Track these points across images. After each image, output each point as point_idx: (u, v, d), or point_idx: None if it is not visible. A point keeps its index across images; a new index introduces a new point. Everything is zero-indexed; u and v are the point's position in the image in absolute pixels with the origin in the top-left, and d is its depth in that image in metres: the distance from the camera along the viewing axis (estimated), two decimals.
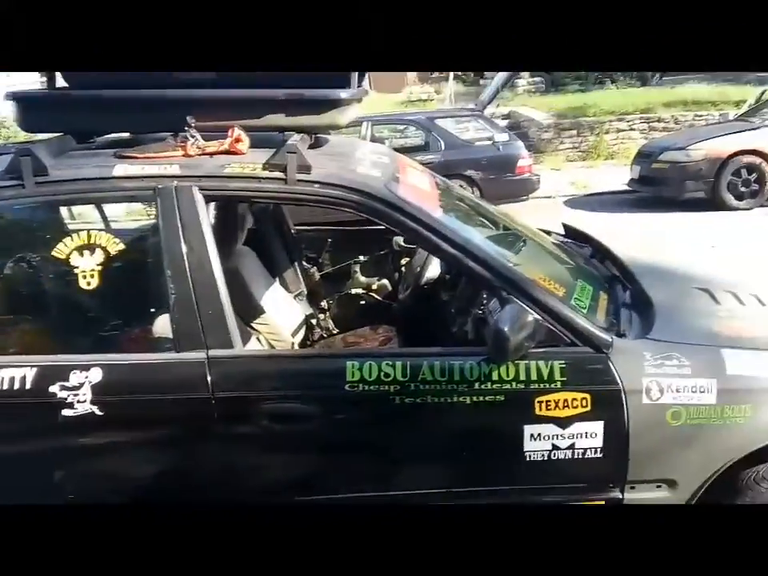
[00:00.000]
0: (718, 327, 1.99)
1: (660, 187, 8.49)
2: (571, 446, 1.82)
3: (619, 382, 1.80)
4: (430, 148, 8.54)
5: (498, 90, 8.70)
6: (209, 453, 1.81)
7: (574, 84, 15.47)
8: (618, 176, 9.87)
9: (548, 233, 2.99)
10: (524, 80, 15.84)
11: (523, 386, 1.80)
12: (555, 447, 1.82)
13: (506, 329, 1.68)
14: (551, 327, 1.82)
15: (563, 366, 1.81)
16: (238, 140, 1.83)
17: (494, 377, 1.79)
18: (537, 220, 8.25)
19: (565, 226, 2.99)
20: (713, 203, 8.09)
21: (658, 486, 1.87)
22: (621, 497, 1.86)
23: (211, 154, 1.86)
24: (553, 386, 1.80)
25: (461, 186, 7.96)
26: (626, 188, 9.25)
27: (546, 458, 1.82)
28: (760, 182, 8.01)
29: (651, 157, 8.63)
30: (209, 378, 1.75)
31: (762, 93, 9.90)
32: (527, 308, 1.79)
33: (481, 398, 1.79)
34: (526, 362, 1.80)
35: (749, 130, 8.33)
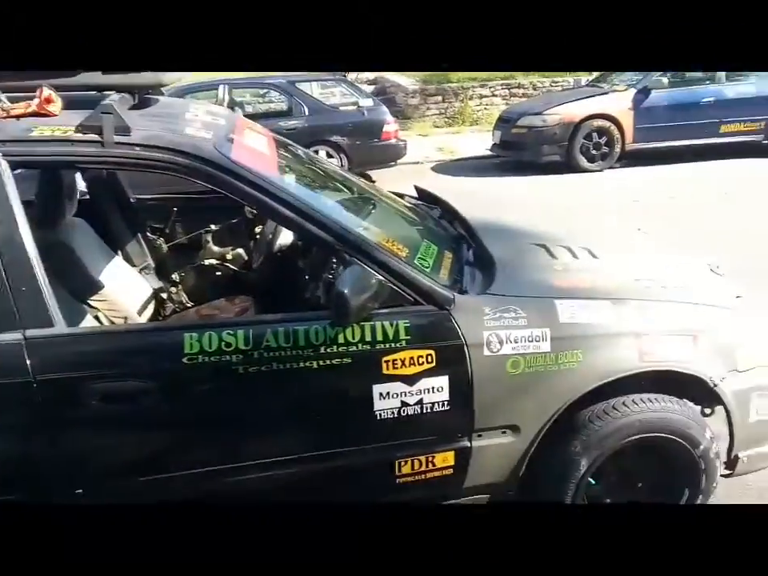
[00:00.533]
0: (553, 280, 2.07)
1: (519, 151, 8.83)
2: (419, 402, 1.85)
3: (461, 336, 1.84)
4: (293, 113, 8.37)
5: None
6: (36, 441, 1.68)
7: None
8: (483, 141, 10.18)
9: (401, 196, 3.01)
10: None
11: (369, 347, 1.80)
12: (404, 404, 1.84)
13: (346, 291, 1.67)
14: (394, 288, 1.83)
15: (407, 324, 1.83)
16: (48, 100, 1.67)
17: (340, 340, 1.78)
18: (404, 186, 8.24)
19: (417, 188, 3.02)
20: (568, 166, 8.50)
21: (503, 432, 1.94)
22: (469, 445, 1.92)
23: (18, 117, 1.70)
24: (398, 344, 1.81)
25: (316, 153, 7.98)
26: (490, 153, 9.56)
27: (396, 415, 1.84)
28: (610, 145, 8.50)
29: (510, 122, 8.94)
30: (27, 361, 1.62)
31: None
32: (370, 270, 1.78)
33: (328, 362, 1.78)
34: (372, 323, 1.80)
35: (599, 95, 8.80)
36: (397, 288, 1.83)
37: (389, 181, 8.68)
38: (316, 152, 8.18)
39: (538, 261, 2.21)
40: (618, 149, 8.51)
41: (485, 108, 12.70)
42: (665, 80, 8.50)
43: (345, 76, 8.73)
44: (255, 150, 2.06)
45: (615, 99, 8.56)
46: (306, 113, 8.22)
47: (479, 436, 1.92)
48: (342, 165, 8.27)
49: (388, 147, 8.49)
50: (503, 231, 2.42)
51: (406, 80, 13.30)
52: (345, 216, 2.06)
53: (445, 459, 1.92)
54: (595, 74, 10.29)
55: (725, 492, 2.25)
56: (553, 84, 12.81)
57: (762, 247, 5.07)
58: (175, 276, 2.98)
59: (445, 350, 1.85)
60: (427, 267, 1.96)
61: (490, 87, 12.84)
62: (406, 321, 1.83)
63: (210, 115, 2.17)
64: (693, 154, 8.52)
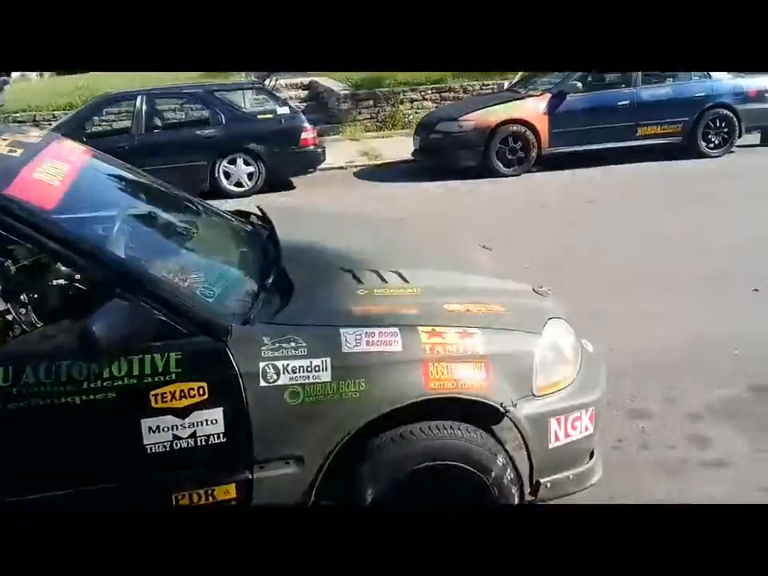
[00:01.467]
0: (349, 306, 2.08)
1: (438, 157, 8.88)
2: (193, 434, 1.84)
3: (236, 368, 1.84)
4: (210, 122, 8.33)
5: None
6: None
7: None
8: (410, 146, 10.21)
9: (246, 215, 3.01)
10: None
11: (136, 381, 1.78)
12: (177, 437, 1.83)
13: (93, 328, 1.66)
14: (166, 320, 1.82)
15: (179, 357, 1.81)
16: None
17: (105, 375, 1.76)
18: (318, 194, 8.12)
19: (259, 208, 3.01)
20: (486, 171, 8.59)
21: (287, 463, 1.94)
22: (251, 477, 1.91)
23: None
24: (168, 377, 1.80)
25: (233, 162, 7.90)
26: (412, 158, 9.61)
27: (168, 449, 1.83)
28: (525, 150, 8.61)
29: (428, 128, 8.99)
30: None
31: None
32: (137, 303, 1.77)
33: (91, 397, 1.76)
34: (141, 356, 1.79)
35: (515, 100, 8.91)
36: (169, 320, 1.82)
37: (307, 187, 8.74)
38: (234, 161, 8.16)
39: (340, 286, 2.21)
40: (534, 153, 8.62)
41: (416, 112, 12.73)
42: (579, 84, 8.65)
43: (262, 84, 8.67)
44: (40, 183, 2.02)
45: (530, 104, 8.68)
46: (223, 121, 8.16)
47: (261, 467, 1.92)
48: (259, 172, 8.24)
49: (306, 154, 8.48)
50: (316, 255, 2.42)
51: (337, 84, 13.29)
52: (133, 247, 2.05)
53: (226, 492, 1.91)
54: (518, 77, 10.41)
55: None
56: (483, 87, 12.93)
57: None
58: (24, 297, 2.91)
59: (218, 382, 1.84)
60: (211, 297, 1.96)
61: (421, 91, 12.91)
62: (179, 353, 1.82)
63: (11, 146, 2.14)
64: (614, 157, 8.71)
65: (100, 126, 8.60)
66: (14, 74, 26.26)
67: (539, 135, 8.57)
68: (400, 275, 2.33)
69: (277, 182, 8.50)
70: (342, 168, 10.00)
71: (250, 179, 8.31)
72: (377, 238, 2.83)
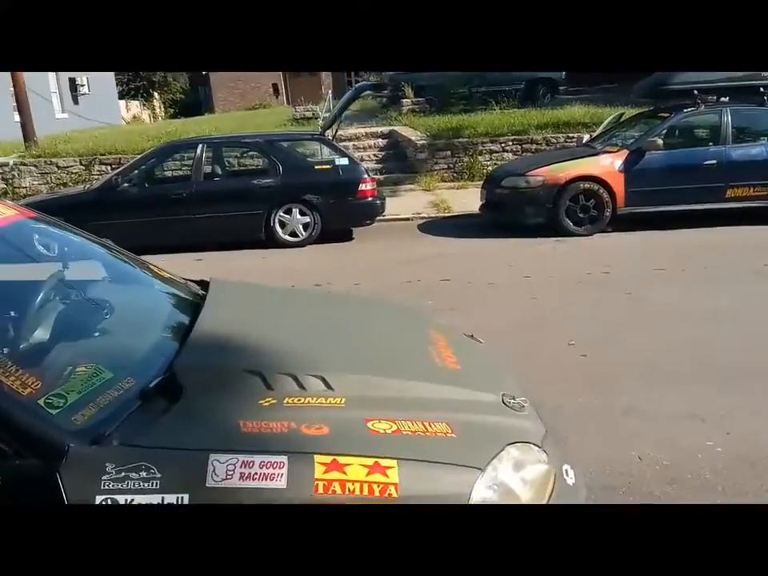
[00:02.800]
0: (238, 422, 1.70)
1: (504, 213, 8.42)
2: None
3: (65, 500, 1.49)
4: (268, 171, 8.26)
5: (338, 114, 8.48)
6: None
7: (459, 105, 15.50)
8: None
9: (203, 284, 2.72)
10: (409, 99, 15.81)
11: None
12: None
13: None
14: None
15: None
16: None
17: None
18: (372, 245, 7.75)
19: (202, 282, 2.71)
20: (554, 229, 8.06)
21: None
22: None
23: None
24: None
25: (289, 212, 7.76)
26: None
27: None
28: (599, 209, 8.01)
29: (495, 182, 8.57)
30: None
31: (619, 117, 10.00)
32: None
33: None
34: None
35: (587, 156, 8.35)
36: None
37: (365, 238, 8.49)
38: (289, 210, 8.03)
39: (241, 394, 1.84)
40: (608, 213, 8.01)
41: (495, 163, 12.30)
42: (660, 141, 8.01)
43: (323, 134, 8.55)
44: None
45: (605, 160, 8.09)
46: (281, 171, 8.07)
47: None
48: (315, 223, 8.07)
49: (363, 206, 8.25)
50: (228, 349, 2.06)
51: (416, 134, 13.12)
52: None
53: None
54: (599, 130, 9.83)
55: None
56: (568, 139, 12.38)
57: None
58: None
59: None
60: (58, 406, 1.63)
61: (501, 142, 12.50)
62: None
63: None
64: (698, 220, 7.97)
65: (162, 173, 8.71)
66: (126, 115, 27.94)
67: (614, 194, 7.96)
68: (324, 380, 1.94)
69: (333, 233, 8.30)
70: (407, 219, 9.71)
71: (305, 229, 8.14)
72: (319, 326, 2.42)
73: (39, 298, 2.06)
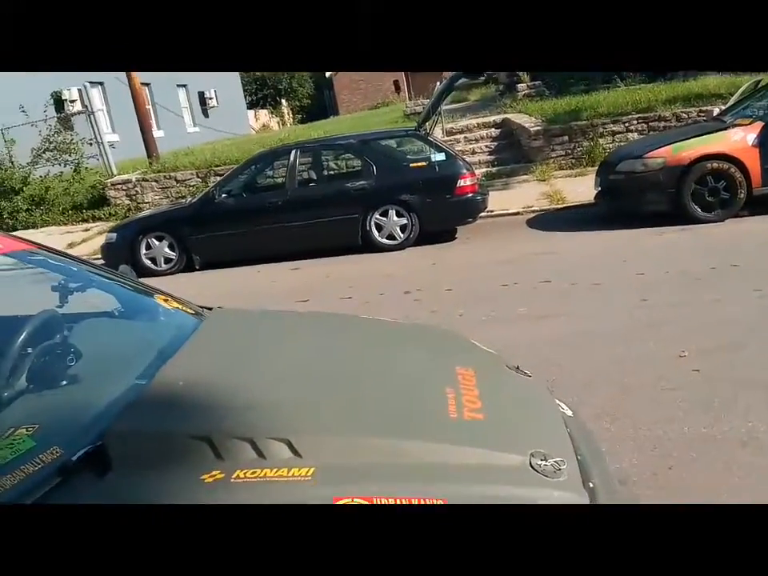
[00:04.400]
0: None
1: (620, 200, 7.64)
2: None
3: None
4: (361, 174, 8.01)
5: (434, 106, 8.04)
6: None
7: (580, 85, 14.53)
8: None
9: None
10: (525, 84, 15.05)
11: None
12: None
13: None
14: None
15: None
16: None
17: None
18: (474, 245, 7.35)
19: (205, 308, 2.44)
20: (679, 216, 7.18)
21: None
22: None
23: None
24: None
25: (385, 213, 7.44)
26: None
27: None
28: (730, 190, 7.05)
29: (610, 167, 7.80)
30: None
31: (755, 84, 8.80)
32: None
33: None
34: None
35: (716, 131, 7.38)
36: None
37: (469, 237, 8.01)
38: (385, 212, 7.73)
39: (179, 469, 1.52)
40: (742, 194, 7.03)
41: (618, 145, 11.36)
42: None
43: (418, 130, 8.16)
44: None
45: (736, 135, 7.10)
46: (375, 171, 7.79)
47: None
48: (412, 224, 7.72)
49: (463, 203, 7.80)
50: (184, 410, 1.74)
51: (530, 120, 12.40)
52: None
53: None
54: (732, 101, 8.71)
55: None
56: (701, 114, 11.17)
57: None
58: None
59: None
60: None
61: (625, 122, 11.50)
62: None
63: None
64: None
65: (258, 181, 8.70)
66: (254, 125, 28.97)
67: (748, 172, 6.97)
68: (290, 444, 1.57)
69: (434, 234, 7.90)
70: (516, 214, 9.11)
71: (402, 231, 7.81)
72: (313, 366, 2.00)
73: (20, 338, 1.87)
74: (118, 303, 2.38)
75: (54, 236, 11.82)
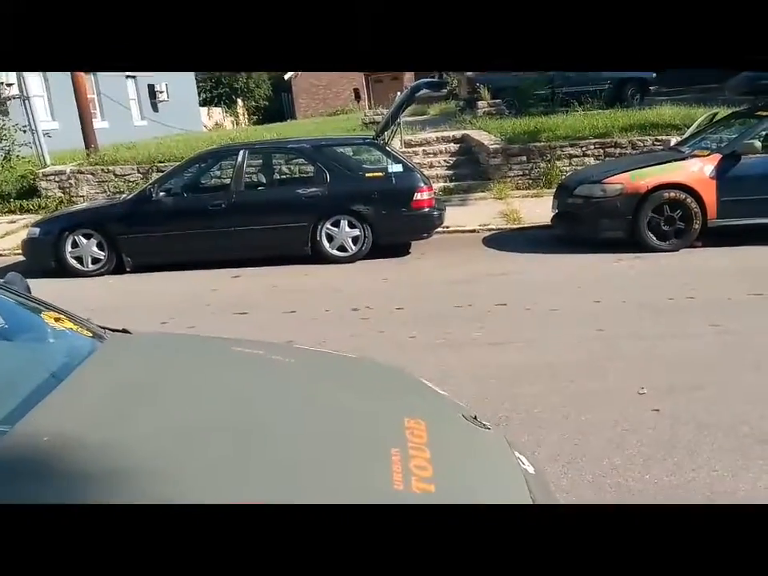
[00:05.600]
0: None
1: (576, 225, 7.50)
2: None
3: None
4: (314, 180, 7.67)
5: (393, 116, 7.78)
6: None
7: (539, 107, 14.55)
8: None
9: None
10: (485, 102, 14.98)
11: None
12: None
13: None
14: None
15: None
16: None
17: None
18: (428, 261, 7.09)
19: (123, 331, 2.08)
20: (634, 244, 7.08)
21: None
22: None
23: None
24: None
25: (337, 224, 7.10)
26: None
27: None
28: (686, 220, 6.99)
29: (567, 191, 7.67)
30: None
31: (711, 117, 8.83)
32: None
33: None
34: None
35: (674, 160, 7.33)
36: None
37: (423, 253, 7.76)
38: (337, 223, 7.42)
39: None
40: (697, 225, 6.97)
41: (574, 169, 11.32)
42: (758, 144, 6.90)
43: (376, 140, 7.88)
44: None
45: (694, 166, 7.05)
46: (328, 179, 7.46)
47: None
48: (365, 236, 7.43)
49: (419, 217, 7.53)
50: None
51: (489, 138, 12.29)
52: None
53: None
54: (687, 133, 8.71)
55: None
56: (656, 142, 11.23)
57: None
58: None
59: None
60: None
61: (582, 146, 11.49)
62: None
63: None
64: None
65: (201, 181, 8.26)
66: (207, 123, 28.26)
67: (704, 204, 6.92)
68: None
69: (388, 247, 7.62)
70: (473, 231, 8.92)
71: (354, 243, 7.49)
72: (223, 421, 1.64)
73: None
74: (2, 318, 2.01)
75: None
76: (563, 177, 10.80)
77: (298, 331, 5.18)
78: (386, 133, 7.82)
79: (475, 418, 1.94)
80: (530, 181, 11.59)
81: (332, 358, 2.35)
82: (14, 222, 11.03)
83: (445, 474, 1.55)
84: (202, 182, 8.23)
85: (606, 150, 11.44)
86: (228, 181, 7.87)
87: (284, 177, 8.36)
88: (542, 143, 11.61)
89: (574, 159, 11.49)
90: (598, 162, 11.03)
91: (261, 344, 2.31)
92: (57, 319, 2.12)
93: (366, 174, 7.61)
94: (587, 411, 3.57)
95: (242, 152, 7.61)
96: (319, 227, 7.42)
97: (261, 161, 8.15)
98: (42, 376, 1.71)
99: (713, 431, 3.30)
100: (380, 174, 7.50)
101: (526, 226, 9.01)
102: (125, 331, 2.21)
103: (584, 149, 11.50)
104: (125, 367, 1.87)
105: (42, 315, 2.11)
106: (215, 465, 1.42)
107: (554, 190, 9.63)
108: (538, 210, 9.36)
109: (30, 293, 2.41)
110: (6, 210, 11.83)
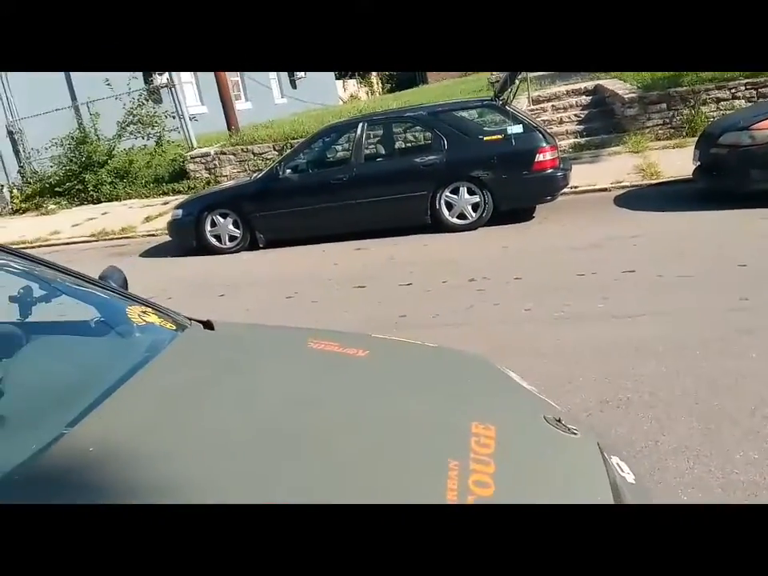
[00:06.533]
0: None
1: (721, 177, 6.77)
2: None
3: None
4: (431, 148, 7.47)
5: (511, 76, 7.35)
6: None
7: None
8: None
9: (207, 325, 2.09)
10: None
11: None
12: None
13: None
14: None
15: None
16: None
17: None
18: (552, 227, 6.69)
19: (203, 322, 2.05)
20: None
21: None
22: None
23: None
24: None
25: (456, 191, 6.91)
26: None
27: None
28: None
29: (710, 140, 6.93)
30: None
31: None
32: None
33: None
34: None
35: None
36: None
37: (548, 217, 7.37)
38: (456, 190, 7.21)
39: None
40: None
41: (723, 114, 10.27)
42: None
43: (495, 100, 7.51)
44: None
45: None
46: (446, 146, 7.24)
47: None
48: (485, 202, 7.16)
49: (541, 180, 7.14)
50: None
51: (624, 87, 11.43)
52: None
53: None
54: None
55: None
56: None
57: None
58: None
59: None
60: None
61: (731, 88, 10.38)
62: None
63: None
64: None
65: (325, 156, 8.30)
66: (342, 95, 28.63)
67: None
68: None
69: (509, 212, 7.30)
70: (604, 190, 8.35)
71: (474, 210, 7.25)
72: (282, 424, 1.55)
73: None
74: (88, 314, 2.05)
75: (134, 209, 11.93)
76: (708, 124, 9.87)
77: (412, 305, 5.08)
78: (505, 92, 7.44)
79: (560, 420, 1.73)
80: (672, 130, 10.68)
81: (408, 350, 2.20)
82: (167, 203, 11.77)
83: (508, 494, 1.37)
84: (324, 157, 8.29)
85: (760, 90, 10.28)
86: (348, 154, 7.85)
87: (402, 146, 8.21)
88: (685, 87, 10.64)
89: (722, 103, 10.44)
90: (749, 105, 9.92)
91: (338, 335, 2.21)
92: (143, 312, 2.14)
93: (485, 138, 7.28)
94: (722, 396, 3.19)
95: (360, 125, 7.56)
96: (438, 195, 7.24)
97: (380, 132, 8.06)
98: (114, 375, 1.71)
99: None
100: (499, 136, 7.17)
101: (664, 180, 8.31)
102: (208, 324, 2.20)
103: (733, 91, 10.40)
104: (187, 369, 1.82)
105: (128, 309, 2.14)
106: (257, 473, 1.35)
107: (697, 139, 8.87)
108: (679, 162, 8.59)
109: (127, 286, 2.45)
110: (161, 192, 12.69)
